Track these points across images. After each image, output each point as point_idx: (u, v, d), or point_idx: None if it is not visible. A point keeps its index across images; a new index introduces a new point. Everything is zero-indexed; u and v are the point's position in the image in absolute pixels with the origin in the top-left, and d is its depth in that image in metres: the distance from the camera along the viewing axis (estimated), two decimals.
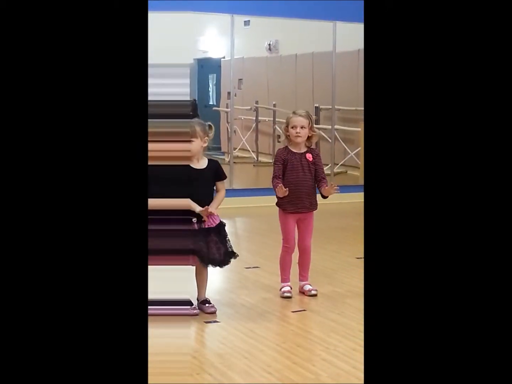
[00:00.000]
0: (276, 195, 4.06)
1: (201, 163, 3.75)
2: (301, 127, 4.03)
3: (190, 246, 3.60)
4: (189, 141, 3.61)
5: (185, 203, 3.57)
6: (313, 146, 4.17)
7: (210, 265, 3.76)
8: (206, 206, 3.64)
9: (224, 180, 3.84)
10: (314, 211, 4.17)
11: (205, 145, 3.74)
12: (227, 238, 3.77)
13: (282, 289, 4.15)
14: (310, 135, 4.07)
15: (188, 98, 3.64)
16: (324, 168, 4.23)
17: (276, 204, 4.14)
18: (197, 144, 3.68)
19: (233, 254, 3.79)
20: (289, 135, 4.08)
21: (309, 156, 4.09)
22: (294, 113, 4.08)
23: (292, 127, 4.04)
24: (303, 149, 4.10)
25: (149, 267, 2.14)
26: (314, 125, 4.13)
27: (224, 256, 3.75)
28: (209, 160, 3.77)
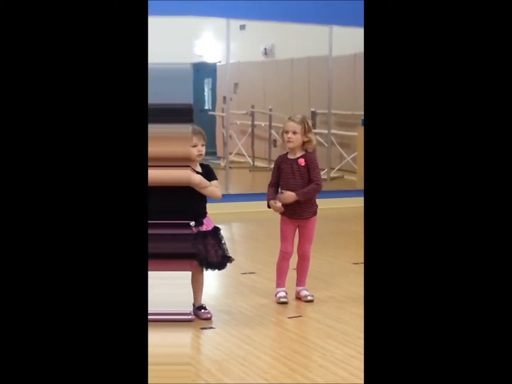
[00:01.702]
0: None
1: (198, 168, 3.78)
2: (293, 132, 4.00)
3: (190, 249, 3.60)
4: (202, 145, 3.71)
5: (185, 175, 3.56)
6: (309, 151, 4.12)
7: (208, 269, 3.74)
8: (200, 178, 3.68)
9: (217, 181, 3.81)
10: (315, 218, 4.14)
11: None
12: (223, 242, 3.77)
13: (278, 295, 4.13)
14: (304, 140, 4.04)
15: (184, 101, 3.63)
16: (321, 173, 4.18)
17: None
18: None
19: (229, 258, 3.78)
20: None
21: (301, 161, 4.04)
22: (288, 118, 4.07)
23: (286, 132, 4.03)
24: (298, 154, 4.07)
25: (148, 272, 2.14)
26: (312, 131, 4.08)
27: (222, 259, 3.74)
28: (200, 165, 3.78)
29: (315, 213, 4.12)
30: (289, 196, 4.00)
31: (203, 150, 3.71)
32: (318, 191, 4.07)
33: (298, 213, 4.06)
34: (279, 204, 4.02)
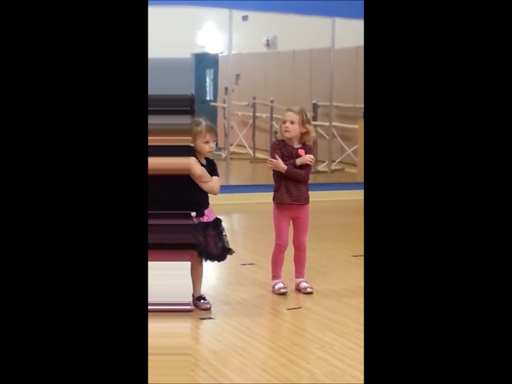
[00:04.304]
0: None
1: (203, 161, 3.81)
2: (290, 122, 4.01)
3: (190, 240, 3.62)
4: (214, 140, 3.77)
5: (186, 161, 3.58)
6: (308, 143, 4.13)
7: (207, 260, 3.76)
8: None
9: (218, 177, 3.86)
10: (309, 210, 4.15)
11: None
12: (224, 234, 3.79)
13: (276, 286, 4.13)
14: (302, 131, 4.05)
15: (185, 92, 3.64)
16: (321, 166, 4.20)
17: (272, 199, 4.12)
18: None
19: (229, 250, 3.80)
20: None
21: (301, 151, 4.06)
22: (287, 109, 4.08)
23: (283, 122, 4.04)
24: (296, 146, 4.08)
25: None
26: (310, 122, 4.08)
27: (222, 251, 3.76)
28: (205, 158, 3.82)
29: (308, 201, 4.13)
30: (280, 165, 3.99)
31: (214, 146, 3.77)
32: (304, 179, 4.07)
33: (293, 197, 4.05)
34: (282, 164, 3.99)
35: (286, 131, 4.02)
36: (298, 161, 4.02)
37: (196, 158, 3.72)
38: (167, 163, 3.43)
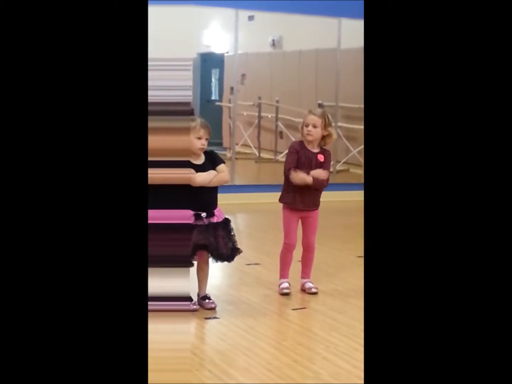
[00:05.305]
0: (287, 188, 4.03)
1: (200, 159, 3.75)
2: (313, 126, 3.99)
3: (201, 241, 3.61)
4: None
5: (186, 176, 3.54)
6: (327, 147, 4.11)
7: (218, 261, 3.75)
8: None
9: (223, 164, 3.79)
10: (319, 210, 4.15)
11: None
12: (233, 233, 3.79)
13: (281, 286, 4.14)
14: (324, 134, 4.03)
15: (190, 93, 3.63)
16: None
17: (280, 200, 4.10)
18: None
19: (237, 250, 3.80)
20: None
21: (320, 157, 4.05)
22: (309, 111, 4.05)
23: (306, 126, 4.01)
24: (316, 149, 4.06)
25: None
26: (332, 125, 4.05)
27: (231, 251, 3.76)
28: (204, 152, 3.77)
29: (318, 206, 4.14)
30: (307, 180, 3.95)
31: (205, 144, 3.71)
32: (325, 187, 4.10)
33: (306, 203, 4.06)
34: (307, 179, 3.95)
35: (308, 134, 4.00)
36: (314, 174, 3.98)
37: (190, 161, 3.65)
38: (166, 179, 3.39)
